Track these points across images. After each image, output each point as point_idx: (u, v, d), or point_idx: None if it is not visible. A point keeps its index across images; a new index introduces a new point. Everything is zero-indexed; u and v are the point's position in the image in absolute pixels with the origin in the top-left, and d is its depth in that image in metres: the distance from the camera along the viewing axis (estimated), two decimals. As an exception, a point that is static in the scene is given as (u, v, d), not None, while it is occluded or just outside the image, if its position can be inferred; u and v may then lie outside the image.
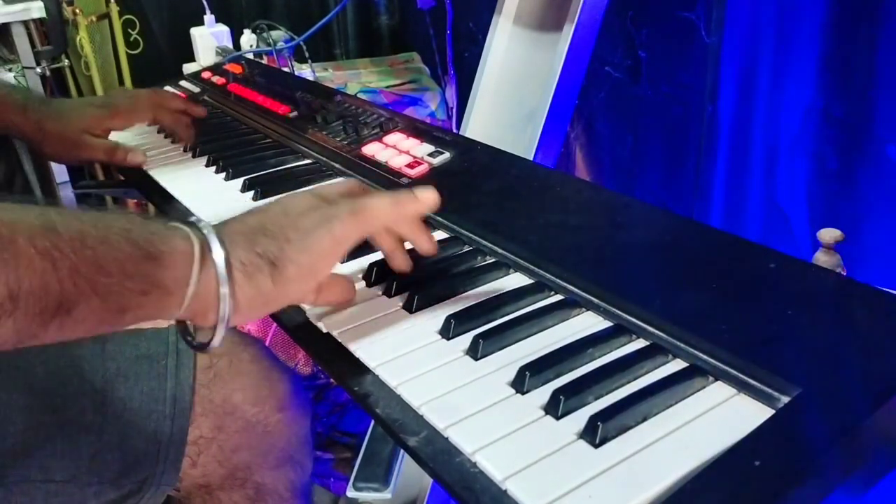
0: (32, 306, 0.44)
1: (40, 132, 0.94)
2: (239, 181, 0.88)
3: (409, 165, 0.83)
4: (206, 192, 0.89)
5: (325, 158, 0.92)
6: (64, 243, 0.45)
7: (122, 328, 0.51)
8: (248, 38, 1.64)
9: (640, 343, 0.55)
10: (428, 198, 0.60)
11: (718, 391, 0.49)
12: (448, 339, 0.56)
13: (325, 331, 0.60)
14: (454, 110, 1.83)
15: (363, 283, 0.65)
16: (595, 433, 0.45)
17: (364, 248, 0.69)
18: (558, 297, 0.61)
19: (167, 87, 1.30)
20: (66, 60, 1.91)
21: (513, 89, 1.15)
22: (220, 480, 0.78)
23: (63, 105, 0.98)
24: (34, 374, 0.71)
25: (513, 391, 0.50)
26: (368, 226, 0.58)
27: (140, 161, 0.96)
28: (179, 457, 0.74)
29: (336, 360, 0.57)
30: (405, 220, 0.60)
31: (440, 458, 0.46)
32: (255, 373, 0.80)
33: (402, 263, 0.62)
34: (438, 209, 0.62)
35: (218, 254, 0.50)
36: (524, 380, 0.50)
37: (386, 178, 0.82)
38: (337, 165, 0.89)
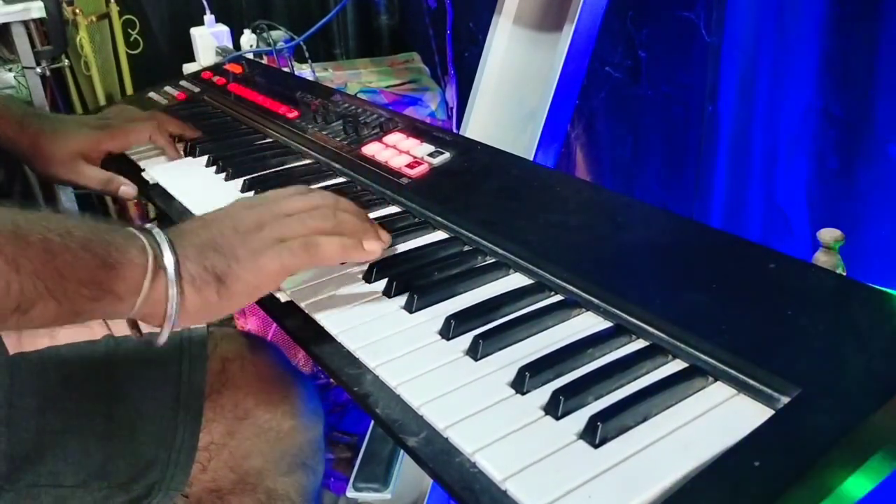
0: None
1: (35, 150, 0.93)
2: (239, 181, 0.88)
3: (409, 165, 0.83)
4: (206, 192, 0.89)
5: (325, 158, 0.91)
6: (30, 250, 0.49)
7: (74, 324, 0.55)
8: (248, 38, 1.64)
9: (639, 343, 0.55)
10: (375, 250, 0.64)
11: (718, 391, 0.49)
12: (448, 339, 0.56)
13: (323, 329, 0.60)
14: (454, 110, 1.83)
15: (363, 283, 0.65)
16: (595, 433, 0.45)
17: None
18: (558, 298, 0.61)
19: (167, 88, 1.30)
20: (66, 60, 1.90)
21: (513, 89, 1.15)
22: (230, 486, 0.78)
23: (60, 124, 0.96)
24: (45, 380, 0.71)
25: (513, 391, 0.50)
26: (317, 261, 0.61)
27: (132, 194, 0.95)
28: (190, 462, 0.74)
29: (336, 360, 0.57)
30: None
31: (440, 458, 0.46)
32: (267, 378, 0.80)
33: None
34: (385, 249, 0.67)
35: (169, 264, 0.55)
36: (524, 380, 0.50)
37: (386, 179, 0.82)
38: (337, 165, 0.89)
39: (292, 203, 0.63)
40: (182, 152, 1.01)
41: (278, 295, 0.64)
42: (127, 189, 0.95)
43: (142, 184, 0.95)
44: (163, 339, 0.56)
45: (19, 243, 0.49)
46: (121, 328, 0.77)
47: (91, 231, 0.53)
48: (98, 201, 2.08)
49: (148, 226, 0.58)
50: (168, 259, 0.55)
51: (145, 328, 0.59)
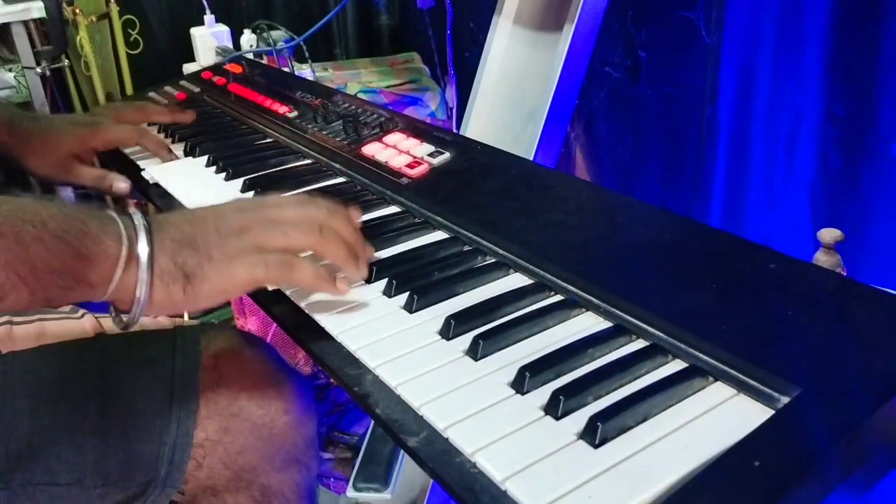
0: None
1: (27, 152, 0.93)
2: (239, 181, 0.88)
3: (409, 165, 0.83)
4: (206, 192, 0.89)
5: (325, 158, 0.91)
6: (3, 241, 0.50)
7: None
8: (248, 38, 1.64)
9: (639, 343, 0.55)
10: (343, 292, 0.63)
11: (718, 391, 0.49)
12: (448, 339, 0.56)
13: (323, 329, 0.60)
14: (454, 110, 1.83)
15: (363, 283, 0.65)
16: (595, 433, 0.45)
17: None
18: (558, 298, 0.61)
19: (167, 88, 1.30)
20: (66, 60, 1.90)
21: (513, 89, 1.14)
22: (225, 482, 0.78)
23: (50, 125, 0.96)
24: (38, 377, 0.71)
25: (513, 391, 0.50)
26: (288, 282, 0.62)
27: (125, 189, 0.96)
28: (184, 459, 0.74)
29: (336, 360, 0.57)
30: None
31: (440, 458, 0.46)
32: (260, 374, 0.80)
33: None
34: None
35: (143, 254, 0.55)
36: (524, 380, 0.50)
37: (386, 178, 0.82)
38: (337, 165, 0.89)
39: (283, 212, 0.63)
40: (175, 154, 1.01)
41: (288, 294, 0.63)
42: (120, 184, 0.95)
43: (142, 184, 0.95)
44: (133, 322, 0.57)
45: None
46: (112, 325, 0.77)
47: (66, 220, 0.54)
48: (99, 200, 2.08)
49: (131, 210, 0.58)
50: (142, 249, 0.55)
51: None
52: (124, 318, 0.57)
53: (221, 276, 0.58)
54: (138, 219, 0.57)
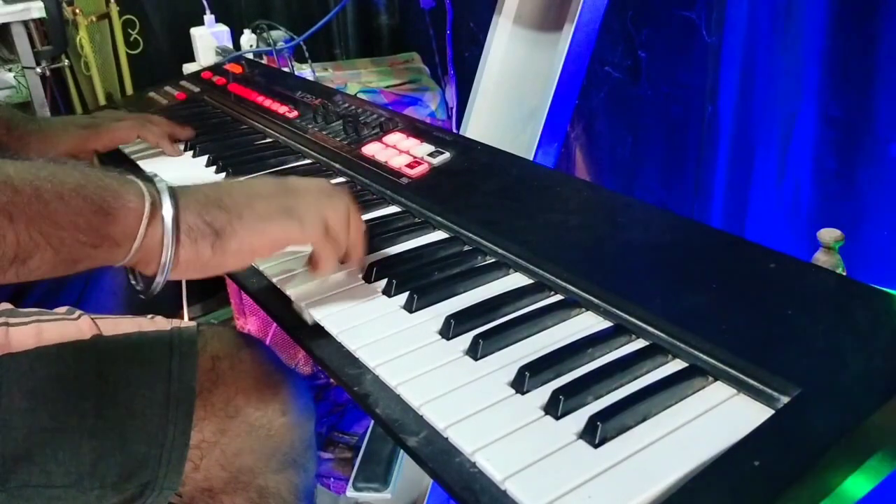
0: None
1: (24, 152, 0.93)
2: (239, 181, 0.88)
3: (409, 165, 0.83)
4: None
5: (325, 158, 0.92)
6: (20, 199, 0.49)
7: (74, 273, 0.55)
8: (248, 38, 1.64)
9: (639, 343, 0.55)
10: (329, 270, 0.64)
11: (718, 391, 0.49)
12: (448, 339, 0.56)
13: (323, 329, 0.60)
14: (454, 110, 1.83)
15: (363, 283, 0.65)
16: (595, 433, 0.45)
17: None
18: (558, 297, 0.61)
19: (167, 88, 1.30)
20: (66, 60, 1.90)
21: (513, 89, 1.14)
22: (222, 484, 0.78)
23: (48, 126, 0.97)
24: (35, 379, 0.71)
25: (512, 391, 0.50)
26: (322, 246, 0.62)
27: None
28: (182, 461, 0.73)
29: (336, 360, 0.57)
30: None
31: (440, 458, 0.46)
32: (258, 375, 0.80)
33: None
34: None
35: (167, 213, 0.54)
36: (524, 380, 0.50)
37: (386, 178, 0.82)
38: (337, 165, 0.89)
39: (311, 190, 0.63)
40: (181, 150, 1.01)
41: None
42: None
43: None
44: (158, 287, 0.57)
45: (9, 192, 0.49)
46: (109, 327, 0.77)
47: (84, 177, 0.53)
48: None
49: (150, 172, 0.58)
50: (167, 207, 0.55)
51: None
52: (148, 286, 0.57)
53: (252, 232, 0.58)
54: (159, 181, 0.57)
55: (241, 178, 0.64)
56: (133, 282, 0.59)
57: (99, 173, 0.55)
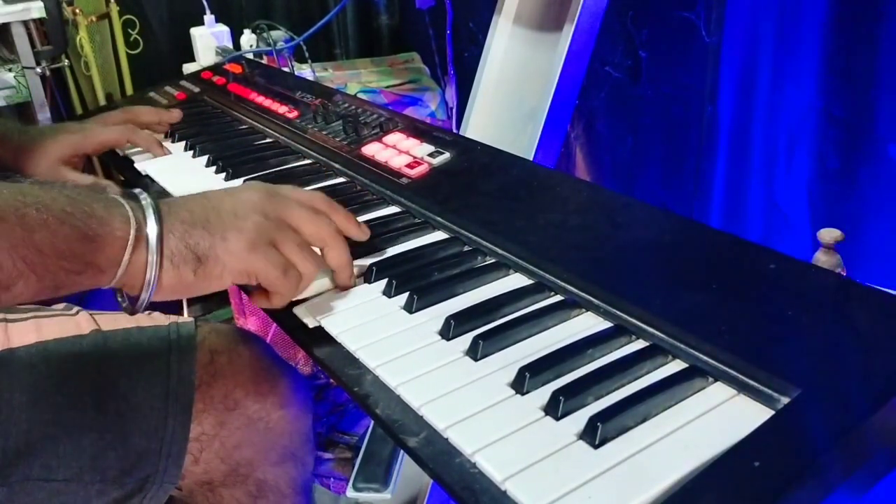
0: None
1: (18, 163, 0.93)
2: (239, 181, 0.88)
3: (409, 165, 0.83)
4: (206, 192, 0.88)
5: (325, 158, 0.91)
6: (5, 226, 0.48)
7: (57, 297, 0.55)
8: (248, 38, 1.64)
9: (639, 344, 0.55)
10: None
11: (718, 392, 0.49)
12: (448, 339, 0.56)
13: (323, 330, 0.60)
14: (454, 110, 1.83)
15: (363, 283, 0.65)
16: (595, 434, 0.45)
17: (365, 248, 0.69)
18: (558, 298, 0.61)
19: (167, 88, 1.30)
20: (66, 60, 1.90)
21: (513, 89, 1.14)
22: (221, 477, 0.78)
23: (39, 134, 0.96)
24: (35, 374, 0.71)
25: (512, 392, 0.50)
26: (293, 295, 0.61)
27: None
28: (182, 454, 0.74)
29: (336, 360, 0.57)
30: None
31: (440, 458, 0.46)
32: (256, 369, 0.80)
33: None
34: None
35: (152, 236, 0.54)
36: (524, 380, 0.50)
37: (386, 179, 0.82)
38: (337, 165, 0.89)
39: (297, 216, 0.62)
40: (167, 149, 1.01)
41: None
42: (110, 191, 0.95)
43: (140, 184, 0.95)
44: (142, 306, 0.56)
45: None
46: (108, 323, 0.77)
47: (70, 203, 0.52)
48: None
49: (136, 190, 0.57)
50: (151, 230, 0.54)
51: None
52: (133, 304, 0.56)
53: (235, 258, 0.57)
54: (144, 199, 0.56)
55: (233, 187, 0.63)
56: (119, 299, 0.59)
57: (86, 197, 0.54)
